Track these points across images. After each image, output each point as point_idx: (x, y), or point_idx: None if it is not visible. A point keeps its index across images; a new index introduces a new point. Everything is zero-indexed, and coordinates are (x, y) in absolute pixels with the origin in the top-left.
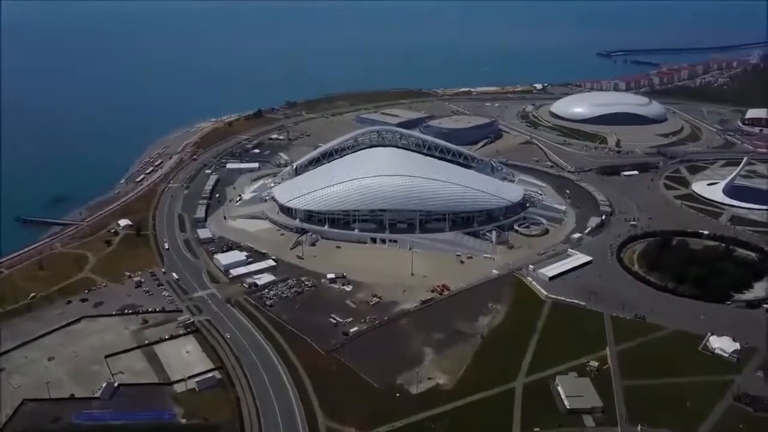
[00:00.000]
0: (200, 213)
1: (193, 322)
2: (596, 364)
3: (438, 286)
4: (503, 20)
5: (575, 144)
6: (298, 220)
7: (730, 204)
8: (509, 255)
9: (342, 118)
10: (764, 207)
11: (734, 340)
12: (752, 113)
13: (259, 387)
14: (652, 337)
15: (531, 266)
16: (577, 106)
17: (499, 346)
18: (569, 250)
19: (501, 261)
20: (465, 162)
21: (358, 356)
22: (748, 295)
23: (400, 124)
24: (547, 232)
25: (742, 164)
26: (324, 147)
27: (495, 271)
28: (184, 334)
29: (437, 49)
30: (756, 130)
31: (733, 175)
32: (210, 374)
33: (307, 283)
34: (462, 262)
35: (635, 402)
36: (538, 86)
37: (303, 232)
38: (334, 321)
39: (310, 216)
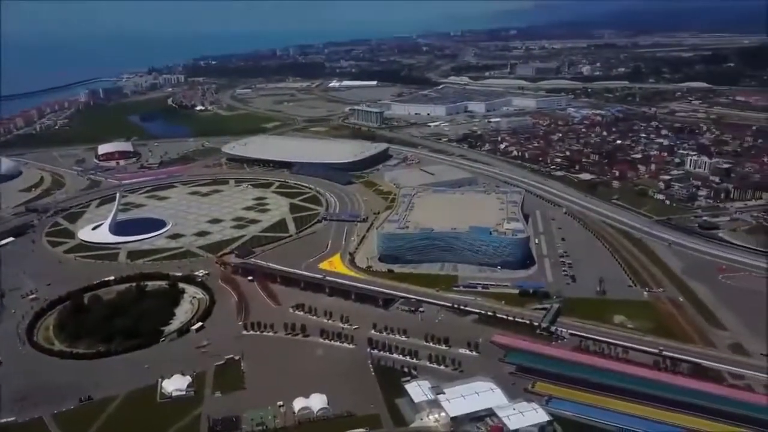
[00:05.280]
0: None
1: None
2: None
3: None
4: None
5: None
6: None
7: (122, 241)
8: None
9: None
10: (149, 235)
11: (183, 374)
12: (103, 148)
13: None
14: (109, 414)
15: None
16: None
17: None
18: None
19: None
20: None
21: None
22: (175, 323)
23: None
24: None
25: (117, 200)
26: None
27: None
28: None
29: None
30: (113, 163)
31: (113, 212)
32: None
33: None
34: None
35: None
36: None
37: None
38: None
39: None
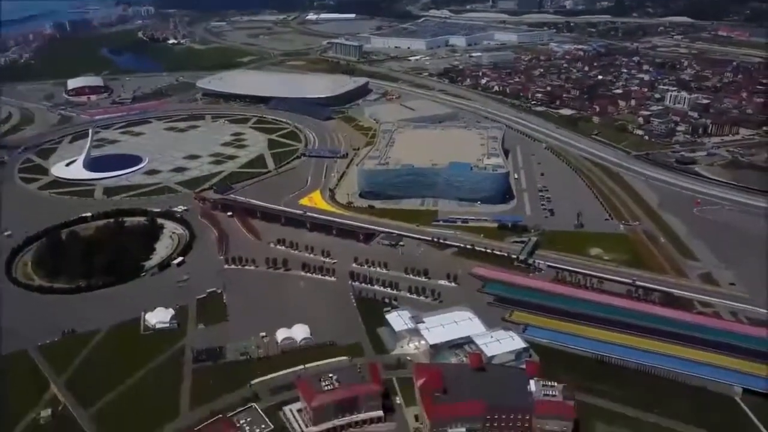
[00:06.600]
0: None
1: None
2: (50, 411)
3: None
4: None
5: None
6: None
7: (97, 177)
8: None
9: None
10: (125, 171)
11: (167, 307)
12: (73, 83)
13: None
14: (93, 346)
15: None
16: None
17: None
18: None
19: None
20: None
21: None
22: (156, 259)
23: None
24: None
25: (90, 136)
26: None
27: None
28: None
29: None
30: (83, 99)
31: (86, 149)
32: None
33: None
34: None
35: (112, 427)
36: None
37: None
38: None
39: None
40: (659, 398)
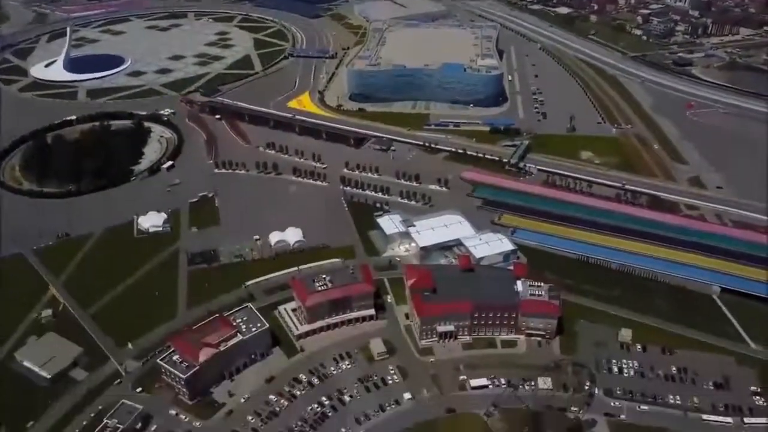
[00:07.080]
0: None
1: None
2: (50, 311)
3: None
4: None
5: None
6: None
7: (79, 79)
8: None
9: None
10: (107, 72)
11: (159, 211)
12: None
13: None
14: (88, 249)
15: None
16: None
17: None
18: None
19: None
20: None
21: None
22: (145, 163)
23: None
24: None
25: (68, 35)
26: None
27: None
28: None
29: None
30: None
31: (65, 49)
32: None
33: None
34: None
35: (113, 326)
36: None
37: None
38: None
39: None
40: (640, 297)
